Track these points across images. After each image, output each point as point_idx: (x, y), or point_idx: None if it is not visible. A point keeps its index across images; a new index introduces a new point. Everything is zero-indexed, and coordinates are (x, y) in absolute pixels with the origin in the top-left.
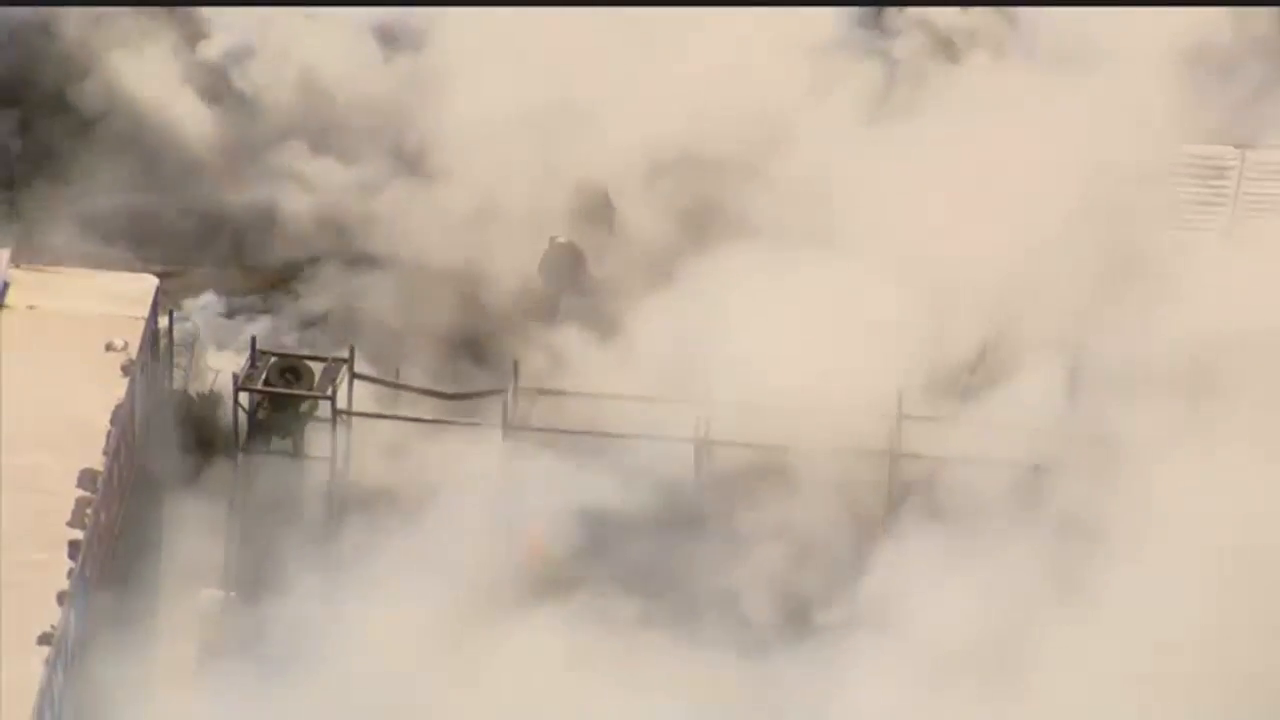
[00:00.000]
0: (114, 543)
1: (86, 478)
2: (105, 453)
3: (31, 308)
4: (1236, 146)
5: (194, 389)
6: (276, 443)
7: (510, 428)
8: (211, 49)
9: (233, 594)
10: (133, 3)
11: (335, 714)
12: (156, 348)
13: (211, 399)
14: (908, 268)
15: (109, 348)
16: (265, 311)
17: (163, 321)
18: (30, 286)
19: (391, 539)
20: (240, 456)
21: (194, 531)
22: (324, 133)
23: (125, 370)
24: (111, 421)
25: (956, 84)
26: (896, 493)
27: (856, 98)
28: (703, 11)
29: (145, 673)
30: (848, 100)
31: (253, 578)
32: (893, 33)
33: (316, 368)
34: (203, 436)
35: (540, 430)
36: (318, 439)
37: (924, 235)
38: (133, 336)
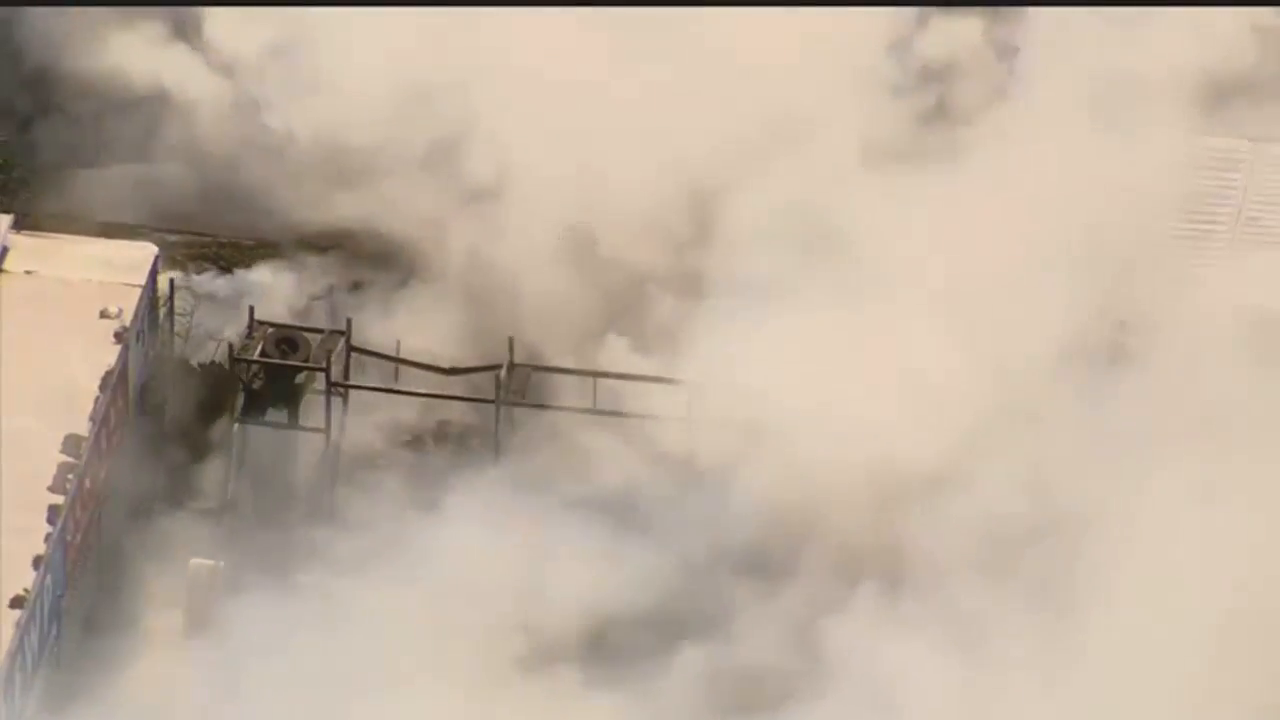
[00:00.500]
0: (99, 508)
1: (71, 443)
2: (92, 419)
3: (29, 273)
4: (1250, 140)
5: (196, 358)
6: (272, 413)
7: (505, 403)
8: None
9: (221, 563)
10: (137, 3)
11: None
12: (156, 316)
13: (212, 368)
14: (915, 299)
15: (104, 314)
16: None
17: (164, 290)
18: (30, 252)
19: (380, 512)
20: (235, 426)
21: (186, 499)
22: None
23: (118, 337)
24: (100, 388)
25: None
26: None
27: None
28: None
29: (131, 638)
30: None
31: (243, 547)
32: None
33: (314, 340)
34: (200, 405)
35: (534, 406)
36: (317, 410)
37: (936, 266)
38: (128, 304)
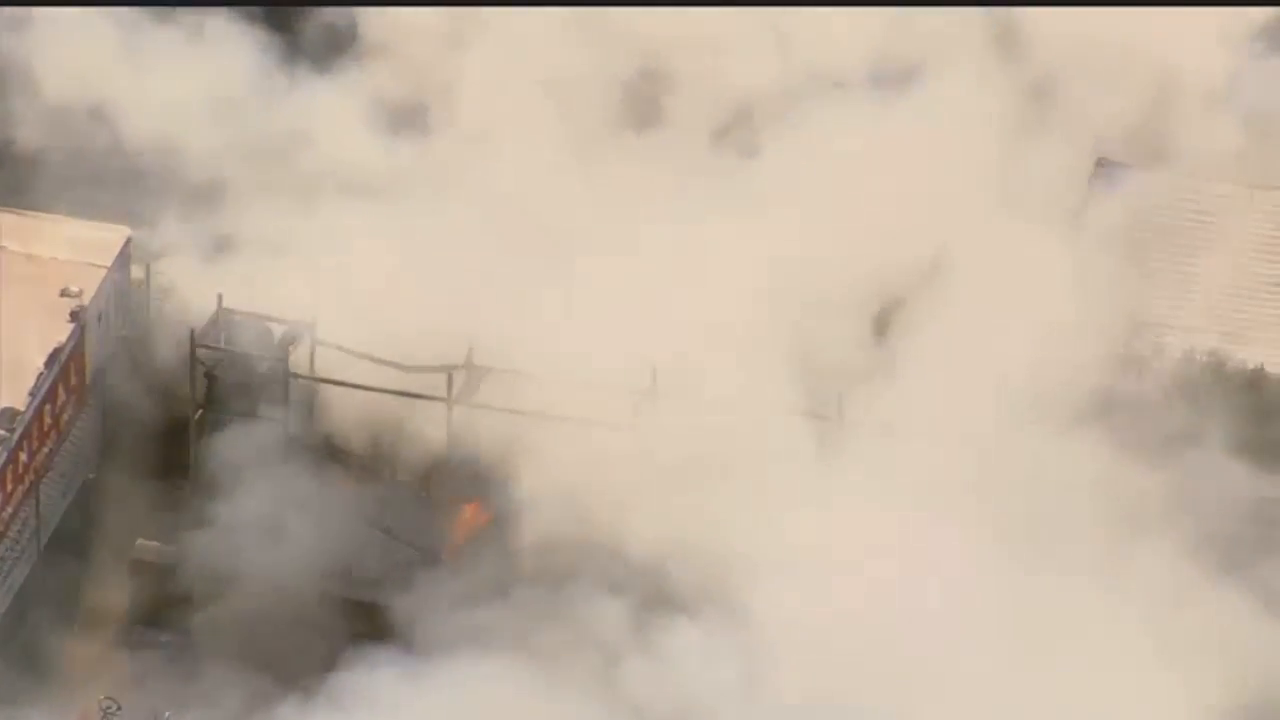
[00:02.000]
0: (37, 483)
1: (5, 416)
2: (31, 393)
3: None
4: (1249, 187)
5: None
6: (234, 402)
7: (458, 403)
8: None
9: (169, 547)
10: (140, 3)
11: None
12: (126, 299)
13: (180, 354)
14: None
15: (64, 293)
16: None
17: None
18: (2, 228)
19: (327, 500)
20: (196, 412)
21: (138, 481)
22: None
23: (74, 316)
24: (46, 364)
25: None
26: None
27: None
28: None
29: (70, 616)
30: None
31: (192, 530)
32: None
33: (278, 330)
34: (162, 390)
35: (484, 408)
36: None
37: None
38: (90, 284)
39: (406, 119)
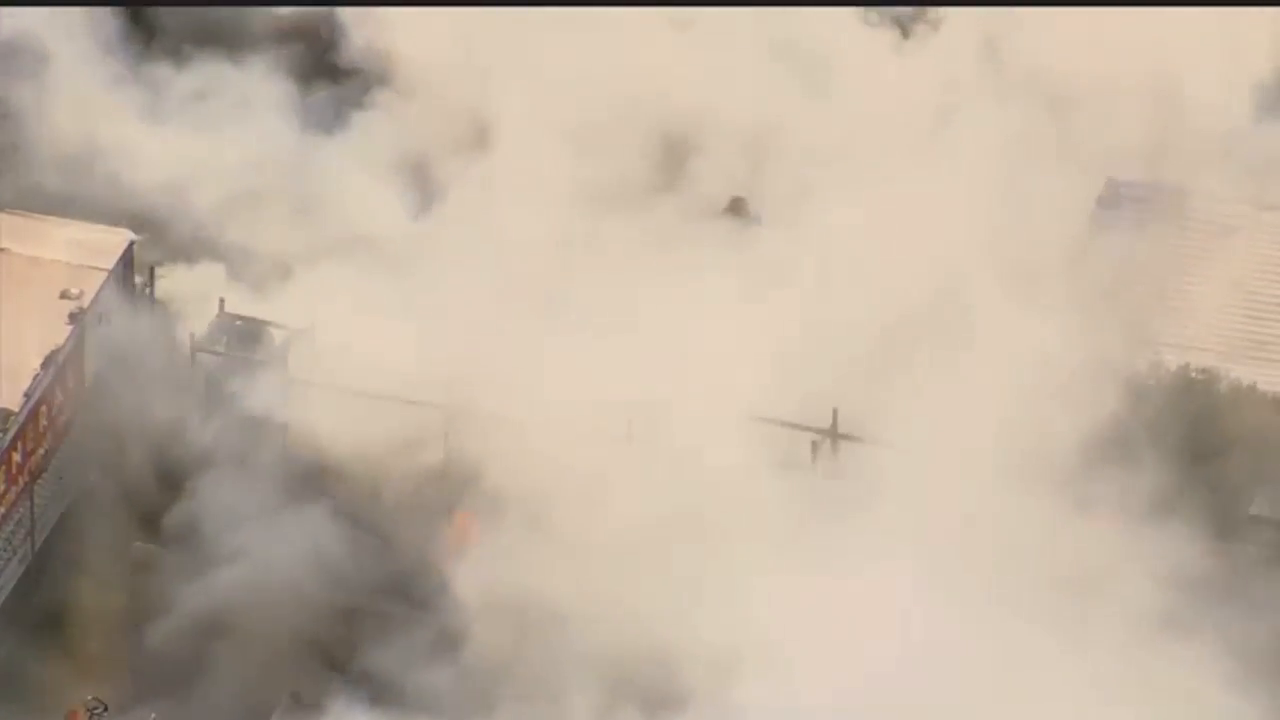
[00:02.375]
0: (31, 483)
1: None
2: (26, 394)
3: (1, 250)
4: (1253, 207)
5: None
6: (234, 406)
7: (452, 410)
8: None
9: (165, 550)
10: (132, 2)
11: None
12: (129, 303)
13: (180, 358)
14: None
15: (64, 295)
16: None
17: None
18: (7, 230)
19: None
20: (195, 415)
21: (136, 484)
22: None
23: (72, 318)
24: (42, 365)
25: None
26: None
27: None
28: None
29: (65, 614)
30: None
31: (189, 534)
32: None
33: (280, 335)
34: (164, 393)
35: (480, 416)
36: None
37: None
38: (90, 287)
39: (419, 170)
